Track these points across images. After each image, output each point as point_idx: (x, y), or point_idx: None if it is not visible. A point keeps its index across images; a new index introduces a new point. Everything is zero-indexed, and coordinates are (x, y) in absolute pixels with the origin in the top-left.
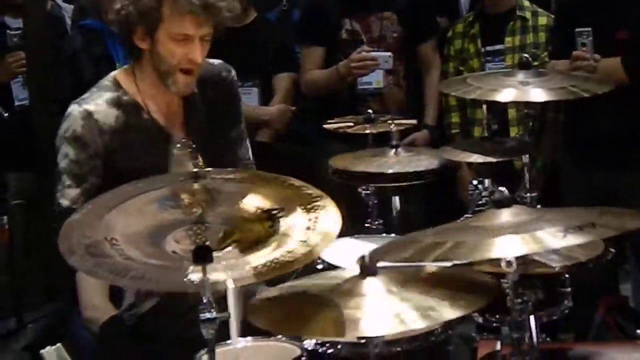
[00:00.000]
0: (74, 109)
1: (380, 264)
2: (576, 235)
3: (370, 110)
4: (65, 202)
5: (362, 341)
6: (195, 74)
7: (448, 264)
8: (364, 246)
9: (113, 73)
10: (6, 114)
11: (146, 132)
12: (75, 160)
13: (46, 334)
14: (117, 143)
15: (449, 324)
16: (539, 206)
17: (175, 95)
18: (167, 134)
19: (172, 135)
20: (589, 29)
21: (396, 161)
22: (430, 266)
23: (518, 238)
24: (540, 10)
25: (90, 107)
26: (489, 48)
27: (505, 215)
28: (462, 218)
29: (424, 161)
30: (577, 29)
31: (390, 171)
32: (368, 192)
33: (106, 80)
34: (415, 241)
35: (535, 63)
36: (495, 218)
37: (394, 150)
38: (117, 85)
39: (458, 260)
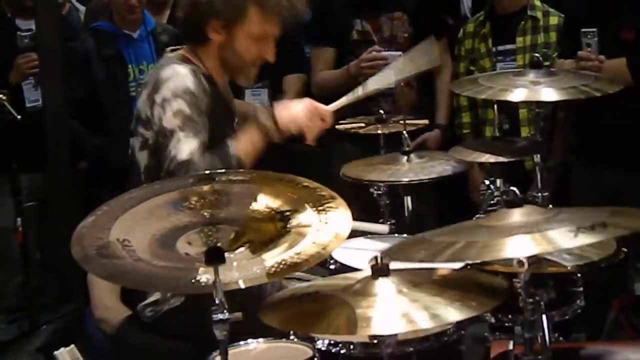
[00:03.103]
0: (179, 68)
1: (393, 265)
2: (587, 234)
3: (381, 111)
4: (182, 155)
5: (375, 341)
6: None
7: (459, 264)
8: (375, 246)
9: (171, 53)
10: (19, 117)
11: (221, 105)
12: (189, 115)
13: (60, 335)
14: (210, 108)
15: (461, 324)
16: (550, 206)
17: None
18: (232, 111)
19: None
20: (594, 29)
21: (409, 169)
22: (442, 267)
23: (529, 238)
24: (551, 10)
25: (190, 71)
26: (500, 48)
27: (517, 215)
28: (474, 218)
29: (437, 167)
30: (582, 30)
31: (403, 180)
32: (380, 192)
33: (170, 58)
34: (427, 241)
35: (546, 63)
36: (507, 218)
37: (406, 157)
38: (187, 60)
39: (469, 261)
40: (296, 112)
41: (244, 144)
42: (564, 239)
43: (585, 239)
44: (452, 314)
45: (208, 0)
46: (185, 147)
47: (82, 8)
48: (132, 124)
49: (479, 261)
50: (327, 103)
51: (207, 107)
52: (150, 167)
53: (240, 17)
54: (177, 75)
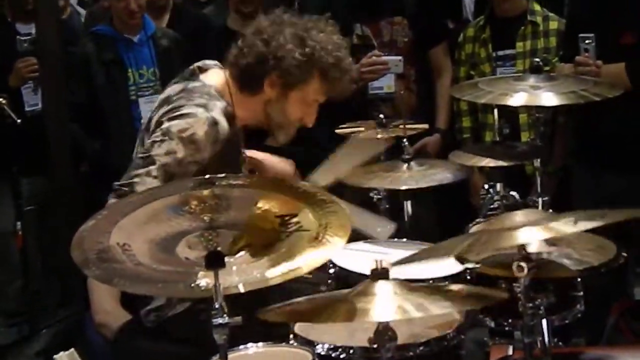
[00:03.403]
0: (200, 112)
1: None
2: (586, 222)
3: (381, 115)
4: (141, 189)
5: (375, 346)
6: None
7: (459, 268)
8: (375, 250)
9: (211, 80)
10: (19, 120)
11: (235, 143)
12: (180, 161)
13: (60, 339)
14: (220, 152)
15: (461, 329)
16: (550, 210)
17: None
18: (241, 154)
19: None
20: (592, 34)
21: (409, 176)
22: None
23: (535, 229)
24: (551, 14)
25: (216, 116)
26: (500, 53)
27: (519, 217)
28: (474, 222)
29: (437, 175)
30: (580, 35)
31: (403, 187)
32: (380, 196)
33: (207, 87)
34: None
35: (547, 68)
36: (509, 219)
37: (406, 164)
38: (220, 95)
39: (483, 253)
40: (279, 165)
41: None
42: (565, 227)
43: (584, 226)
44: (444, 307)
45: (277, 57)
46: (147, 182)
47: (83, 12)
48: (143, 125)
49: (477, 265)
50: (327, 106)
51: (210, 156)
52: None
53: (302, 82)
54: (194, 118)
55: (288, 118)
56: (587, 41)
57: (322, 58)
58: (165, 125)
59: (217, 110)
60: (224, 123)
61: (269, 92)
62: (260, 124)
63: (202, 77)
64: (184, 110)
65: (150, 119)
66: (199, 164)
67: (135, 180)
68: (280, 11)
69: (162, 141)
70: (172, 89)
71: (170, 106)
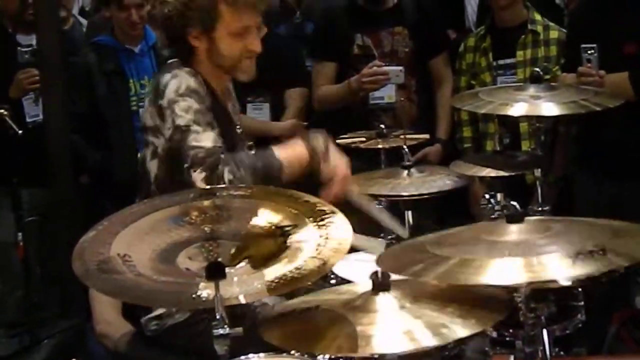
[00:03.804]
0: (177, 72)
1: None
2: (584, 263)
3: (382, 125)
4: (207, 142)
5: (376, 356)
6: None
7: None
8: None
9: (173, 66)
10: (20, 131)
11: (220, 110)
12: (199, 109)
13: (61, 350)
14: (212, 109)
15: (462, 339)
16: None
17: (230, 81)
18: (231, 118)
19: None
20: (594, 45)
21: (409, 183)
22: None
23: (523, 263)
24: (551, 24)
25: (187, 73)
26: (500, 62)
27: (516, 230)
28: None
29: (438, 182)
30: (582, 45)
31: (403, 194)
32: (381, 206)
33: (168, 64)
34: (423, 250)
35: (547, 77)
36: (506, 232)
37: (406, 171)
38: (181, 65)
39: (458, 283)
40: (339, 161)
41: (291, 153)
42: (559, 268)
43: (581, 270)
44: (455, 330)
45: (177, 11)
46: (206, 136)
47: (85, 22)
48: (141, 135)
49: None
50: (328, 116)
51: (209, 104)
52: (159, 177)
53: (213, 18)
54: (178, 77)
55: (231, 56)
56: (589, 51)
57: None
58: (164, 101)
59: (185, 70)
60: (199, 79)
61: (200, 45)
62: (223, 75)
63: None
64: (165, 80)
65: (142, 122)
66: (210, 111)
67: (193, 146)
68: None
69: (172, 111)
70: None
71: (152, 93)
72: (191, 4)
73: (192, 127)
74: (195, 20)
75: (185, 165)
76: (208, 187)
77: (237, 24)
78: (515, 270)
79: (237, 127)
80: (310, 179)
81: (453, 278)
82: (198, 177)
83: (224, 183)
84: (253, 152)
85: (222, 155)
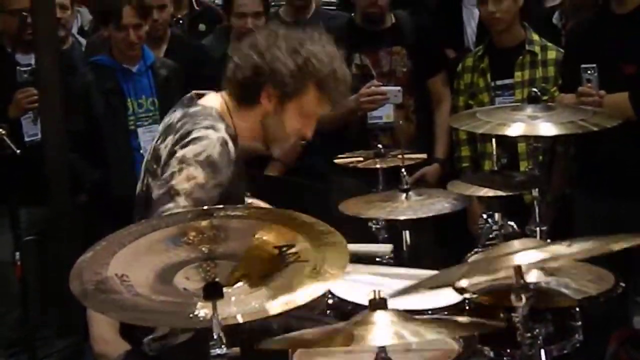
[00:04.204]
0: (210, 134)
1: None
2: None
3: (380, 145)
4: None
5: None
6: None
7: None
8: (374, 280)
9: (210, 102)
10: (18, 151)
11: (240, 165)
12: (203, 185)
13: None
14: (233, 174)
15: (460, 359)
16: (548, 240)
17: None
18: (243, 168)
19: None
20: (594, 65)
21: (407, 206)
22: None
23: (532, 251)
24: (549, 44)
25: (225, 135)
26: (498, 82)
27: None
28: (472, 252)
29: (436, 205)
30: (582, 65)
31: (402, 218)
32: (378, 226)
33: (208, 109)
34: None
35: (545, 97)
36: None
37: (404, 194)
38: (221, 115)
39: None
40: None
41: None
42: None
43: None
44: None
45: (272, 68)
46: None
47: (84, 41)
48: (148, 159)
49: (475, 295)
50: (326, 136)
51: (226, 177)
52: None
53: (298, 93)
54: (207, 141)
55: (286, 130)
56: (589, 71)
57: (316, 68)
58: (180, 153)
59: (223, 130)
60: (231, 143)
61: (266, 105)
62: (259, 138)
63: (200, 101)
64: (195, 135)
65: (156, 150)
66: (221, 186)
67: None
68: (276, 25)
69: (180, 170)
70: (173, 117)
71: (178, 134)
72: (289, 72)
73: (180, 197)
74: (283, 83)
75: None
76: None
77: (311, 107)
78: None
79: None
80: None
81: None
82: None
83: None
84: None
85: None
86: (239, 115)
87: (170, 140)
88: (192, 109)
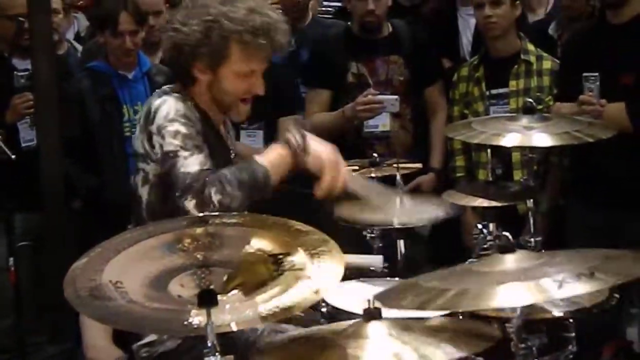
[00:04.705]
0: (167, 98)
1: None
2: (574, 285)
3: (376, 154)
4: (194, 167)
5: None
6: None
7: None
8: (368, 290)
9: (166, 92)
10: (13, 156)
11: (216, 137)
12: (188, 134)
13: None
14: (203, 134)
15: None
16: (543, 251)
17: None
18: (228, 147)
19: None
20: (596, 74)
21: (402, 212)
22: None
23: (521, 286)
24: (544, 54)
25: (176, 98)
26: (493, 91)
27: (509, 261)
28: (467, 262)
29: (430, 211)
30: (584, 74)
31: (396, 223)
32: (373, 235)
33: (161, 90)
34: (419, 286)
35: (540, 107)
36: (499, 264)
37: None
38: (177, 93)
39: (461, 309)
40: (323, 149)
41: (272, 156)
42: (554, 289)
43: (571, 290)
44: (440, 355)
45: (190, 44)
46: (193, 161)
47: (79, 47)
48: (133, 161)
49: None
50: None
51: (200, 129)
52: (151, 203)
53: (223, 57)
54: (167, 102)
55: (231, 95)
56: (591, 80)
57: (228, 26)
58: (153, 127)
59: (176, 96)
60: (189, 105)
61: (203, 77)
62: (219, 109)
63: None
64: (155, 106)
65: (136, 147)
66: (200, 135)
67: (180, 171)
68: None
69: (162, 136)
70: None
71: (142, 118)
72: (204, 40)
73: (180, 152)
74: (205, 54)
75: (177, 194)
76: (201, 213)
77: (244, 66)
78: (514, 293)
79: (232, 153)
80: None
81: (454, 307)
82: (189, 204)
83: (214, 204)
84: (236, 165)
85: (208, 178)
86: (193, 95)
87: (138, 128)
88: (151, 97)
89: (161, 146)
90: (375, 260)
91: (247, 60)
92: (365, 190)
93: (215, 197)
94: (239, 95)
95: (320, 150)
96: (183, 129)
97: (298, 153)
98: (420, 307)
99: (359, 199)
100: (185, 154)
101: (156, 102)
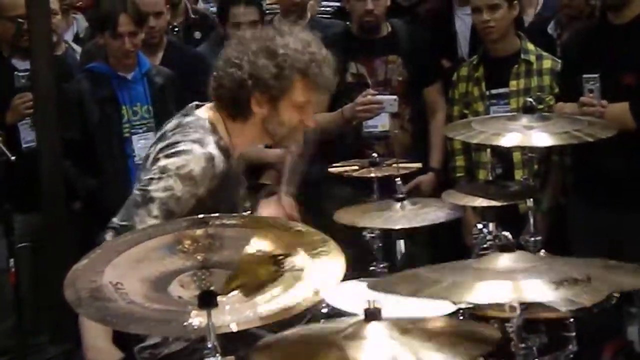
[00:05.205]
0: (196, 148)
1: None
2: (565, 290)
3: (375, 154)
4: (141, 225)
5: None
6: None
7: (452, 308)
8: (368, 290)
9: (204, 114)
10: (13, 157)
11: (232, 177)
12: (178, 197)
13: None
14: (217, 187)
15: None
16: (543, 250)
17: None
18: (241, 178)
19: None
20: (596, 75)
21: (402, 215)
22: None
23: (508, 285)
24: (544, 53)
25: (212, 151)
26: (493, 91)
27: (506, 260)
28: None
29: (431, 214)
30: (584, 75)
31: (397, 227)
32: (373, 235)
33: (201, 121)
34: (414, 277)
35: (540, 106)
36: (496, 262)
37: (399, 203)
38: (213, 127)
39: (448, 299)
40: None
41: None
42: (541, 291)
43: (561, 293)
44: (439, 358)
45: (253, 76)
46: (150, 222)
47: (79, 49)
48: (142, 161)
49: (470, 305)
50: (321, 145)
51: (207, 191)
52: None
53: (286, 89)
54: (191, 155)
55: (287, 127)
56: (591, 81)
57: (296, 59)
58: (162, 162)
59: (212, 145)
60: (219, 157)
61: (260, 111)
62: (266, 141)
63: (197, 111)
64: (180, 147)
65: (147, 156)
66: (195, 199)
67: (135, 219)
68: (242, 32)
69: (159, 179)
70: (169, 125)
71: (166, 142)
72: (278, 72)
73: (152, 205)
74: (270, 86)
75: (112, 220)
76: None
77: (303, 97)
78: (498, 290)
79: (241, 186)
80: None
81: (444, 296)
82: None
83: None
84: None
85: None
86: (236, 128)
87: (159, 147)
88: (187, 119)
89: (150, 181)
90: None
91: (308, 92)
92: None
93: None
94: (293, 128)
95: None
96: (177, 190)
97: None
98: (413, 294)
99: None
100: (155, 212)
101: (186, 144)
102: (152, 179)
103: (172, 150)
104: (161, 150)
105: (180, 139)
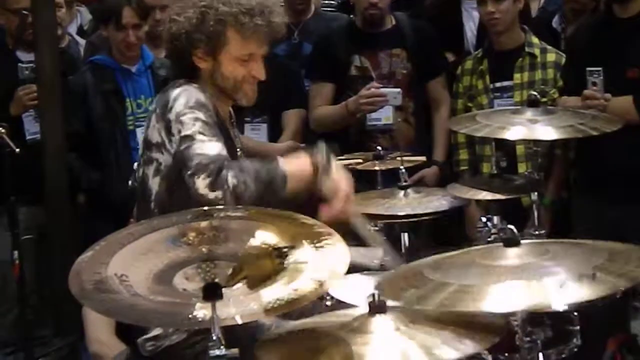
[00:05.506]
0: (186, 87)
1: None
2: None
3: (379, 147)
4: (212, 151)
5: None
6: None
7: None
8: (372, 283)
9: (182, 82)
10: (17, 150)
11: (224, 137)
12: (207, 122)
13: None
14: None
15: None
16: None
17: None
18: (233, 140)
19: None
20: (600, 68)
21: (406, 203)
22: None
23: (522, 286)
24: (549, 47)
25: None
26: (497, 84)
27: (512, 254)
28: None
29: (434, 202)
30: (588, 69)
31: (400, 214)
32: (377, 228)
33: (175, 82)
34: (419, 276)
35: (544, 99)
36: (502, 256)
37: (403, 191)
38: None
39: (458, 309)
40: (343, 177)
41: (295, 166)
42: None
43: (572, 296)
44: (448, 351)
45: (186, 32)
46: (211, 145)
47: (82, 41)
48: (141, 153)
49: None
50: (325, 138)
51: (214, 120)
52: (161, 194)
53: (220, 41)
54: (188, 91)
55: (234, 80)
56: (595, 75)
57: (222, 12)
58: (172, 115)
59: (195, 86)
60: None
61: (204, 66)
62: (225, 98)
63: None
64: (174, 95)
65: (146, 140)
66: (216, 123)
67: (196, 154)
68: None
69: (181, 122)
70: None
71: (159, 107)
72: (200, 26)
73: (198, 137)
74: (203, 41)
75: (189, 172)
76: (212, 193)
77: (242, 49)
78: (513, 296)
79: (238, 149)
80: (312, 196)
81: (453, 305)
82: (202, 183)
83: (228, 187)
84: (258, 160)
85: (226, 162)
86: (204, 89)
87: (153, 118)
88: (164, 89)
89: (179, 130)
90: (374, 255)
91: (245, 43)
92: (365, 233)
93: (232, 181)
94: (240, 80)
95: (340, 177)
96: (202, 117)
97: (320, 173)
98: (419, 303)
99: (356, 237)
100: (204, 138)
101: (175, 91)
102: (178, 129)
103: (170, 103)
104: (162, 114)
105: (169, 95)
